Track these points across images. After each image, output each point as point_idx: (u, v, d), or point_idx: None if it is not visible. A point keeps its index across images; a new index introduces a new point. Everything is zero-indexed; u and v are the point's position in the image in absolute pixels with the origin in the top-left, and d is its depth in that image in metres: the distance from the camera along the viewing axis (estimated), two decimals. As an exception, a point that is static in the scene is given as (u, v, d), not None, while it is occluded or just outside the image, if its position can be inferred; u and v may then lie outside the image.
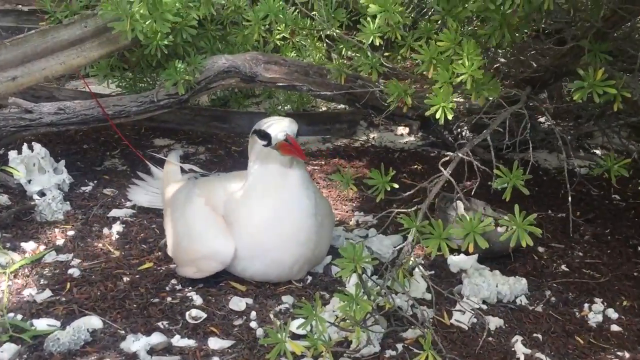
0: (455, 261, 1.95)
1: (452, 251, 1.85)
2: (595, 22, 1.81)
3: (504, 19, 1.76)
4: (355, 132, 3.12)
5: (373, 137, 3.12)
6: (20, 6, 2.87)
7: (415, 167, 2.79)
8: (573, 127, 2.98)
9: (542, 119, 3.24)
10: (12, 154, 2.19)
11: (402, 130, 3.22)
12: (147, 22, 2.01)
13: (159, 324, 1.61)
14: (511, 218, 1.49)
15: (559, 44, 2.45)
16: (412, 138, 3.14)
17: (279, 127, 1.73)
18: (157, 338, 1.54)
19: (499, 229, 1.98)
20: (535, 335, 1.68)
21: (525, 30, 1.91)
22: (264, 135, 1.74)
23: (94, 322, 1.58)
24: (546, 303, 1.83)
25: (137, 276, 1.80)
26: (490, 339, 1.65)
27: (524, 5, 1.60)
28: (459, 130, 2.87)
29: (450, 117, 1.70)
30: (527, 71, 2.56)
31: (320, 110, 3.35)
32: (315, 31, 2.53)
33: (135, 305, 1.67)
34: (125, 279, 1.78)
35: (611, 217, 2.38)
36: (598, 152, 2.98)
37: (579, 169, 2.56)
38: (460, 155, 1.80)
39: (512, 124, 2.24)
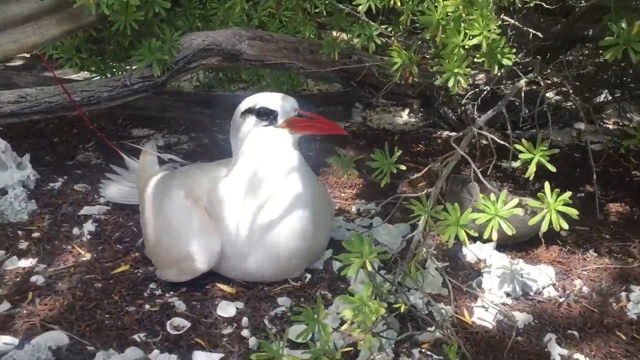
0: (472, 250, 1.73)
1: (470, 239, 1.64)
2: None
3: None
4: (350, 114, 2.90)
5: (370, 119, 2.89)
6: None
7: (417, 149, 2.57)
8: (584, 101, 2.77)
9: (549, 94, 3.03)
10: (-32, 148, 1.95)
11: (401, 111, 2.99)
12: (113, -6, 1.77)
13: (135, 336, 1.38)
14: (542, 198, 1.28)
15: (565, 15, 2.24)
16: (412, 119, 2.92)
17: (286, 101, 1.52)
18: (132, 354, 1.32)
19: (520, 213, 1.77)
20: (570, 331, 1.47)
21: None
22: (266, 113, 1.52)
23: (59, 337, 1.35)
24: (578, 294, 1.61)
25: (111, 281, 1.57)
26: (519, 338, 1.43)
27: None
28: (463, 108, 2.64)
29: (465, 84, 1.49)
30: (536, 40, 2.35)
31: (313, 92, 3.12)
32: (304, 3, 2.29)
33: (107, 316, 1.44)
34: (97, 285, 1.55)
35: (635, 195, 2.18)
36: (610, 126, 2.77)
37: (598, 144, 2.35)
38: (474, 130, 1.60)
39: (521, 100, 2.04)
